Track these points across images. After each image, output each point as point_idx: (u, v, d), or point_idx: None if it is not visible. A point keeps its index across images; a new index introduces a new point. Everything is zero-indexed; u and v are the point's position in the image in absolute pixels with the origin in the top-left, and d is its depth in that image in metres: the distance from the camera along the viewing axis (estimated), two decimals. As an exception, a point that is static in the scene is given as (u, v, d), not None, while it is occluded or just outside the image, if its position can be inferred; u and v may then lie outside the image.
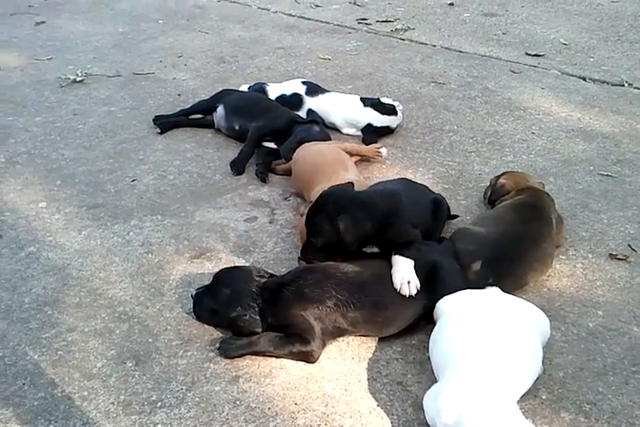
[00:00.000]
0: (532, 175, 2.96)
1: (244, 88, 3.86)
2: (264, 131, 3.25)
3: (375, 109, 3.48)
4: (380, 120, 3.48)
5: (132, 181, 3.05)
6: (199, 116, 3.59)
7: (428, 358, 2.10)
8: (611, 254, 2.69)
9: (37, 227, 2.74)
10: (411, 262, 2.23)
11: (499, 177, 2.91)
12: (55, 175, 3.14)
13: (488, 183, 3.08)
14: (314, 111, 3.55)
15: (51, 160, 3.27)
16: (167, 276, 2.46)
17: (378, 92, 4.02)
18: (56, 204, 2.90)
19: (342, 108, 3.55)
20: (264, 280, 2.16)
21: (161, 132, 3.48)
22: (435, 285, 2.21)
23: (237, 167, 3.12)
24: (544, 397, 2.04)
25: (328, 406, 1.96)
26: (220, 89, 3.74)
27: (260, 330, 2.07)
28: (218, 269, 2.39)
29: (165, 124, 3.51)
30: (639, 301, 2.47)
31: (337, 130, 3.57)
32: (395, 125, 3.54)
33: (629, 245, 2.76)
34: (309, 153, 2.93)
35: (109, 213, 2.83)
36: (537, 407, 2.00)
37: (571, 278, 2.56)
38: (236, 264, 2.50)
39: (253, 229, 2.74)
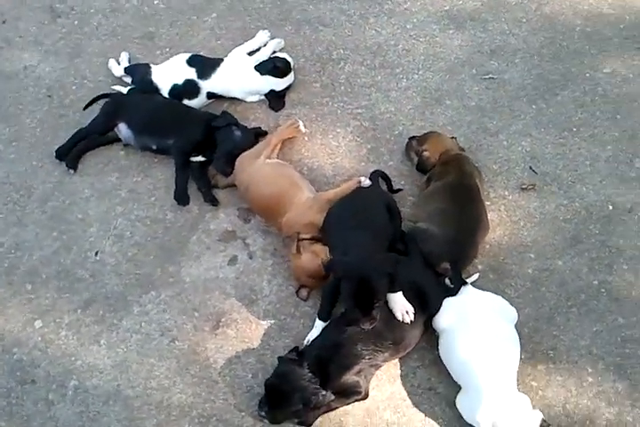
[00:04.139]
0: (445, 136, 2.90)
1: (118, 70, 3.16)
2: (186, 150, 2.84)
3: (274, 75, 3.05)
4: (280, 84, 3.09)
5: (96, 254, 2.71)
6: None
7: (438, 356, 2.41)
8: (521, 188, 2.93)
9: (56, 354, 2.50)
10: (400, 293, 2.38)
11: (419, 143, 2.86)
12: (17, 278, 2.71)
13: (401, 128, 3.07)
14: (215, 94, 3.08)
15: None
16: (206, 360, 2.47)
17: (245, 14, 3.42)
18: (49, 317, 2.58)
19: (240, 83, 3.07)
20: (312, 378, 2.27)
21: (74, 170, 2.92)
22: (424, 302, 2.43)
23: (182, 199, 2.81)
24: (522, 356, 2.40)
25: (394, 432, 2.37)
26: (105, 94, 3.11)
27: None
28: (242, 337, 2.51)
29: (71, 159, 2.92)
30: (555, 231, 2.79)
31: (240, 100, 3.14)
32: (293, 79, 3.16)
33: (531, 168, 2.98)
34: (256, 181, 2.68)
35: (105, 307, 2.60)
36: (520, 368, 2.35)
37: (501, 226, 2.79)
38: (253, 322, 2.55)
39: (241, 272, 2.67)
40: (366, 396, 2.35)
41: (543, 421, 2.21)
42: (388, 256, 2.44)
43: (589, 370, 2.48)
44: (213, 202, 2.81)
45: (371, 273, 2.26)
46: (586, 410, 2.40)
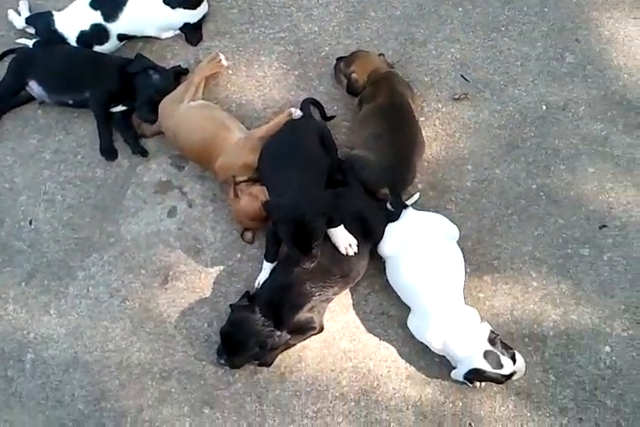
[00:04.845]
0: (373, 54, 2.72)
1: (19, 21, 2.86)
2: (104, 101, 2.62)
3: (185, 7, 2.78)
4: (195, 16, 2.83)
5: (30, 223, 2.56)
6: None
7: (387, 281, 2.39)
8: (454, 98, 2.79)
9: (8, 329, 2.41)
10: (341, 227, 2.31)
11: (347, 64, 2.68)
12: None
13: (327, 48, 2.87)
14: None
15: None
16: (160, 315, 2.42)
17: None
18: (-6, 290, 2.48)
19: (151, 21, 2.80)
20: (266, 321, 2.25)
21: (-8, 136, 2.70)
22: (367, 231, 2.38)
23: (109, 153, 2.64)
24: (468, 270, 2.40)
25: (352, 360, 2.35)
26: (11, 50, 2.83)
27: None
28: (193, 287, 2.46)
29: (-14, 125, 2.69)
30: (490, 139, 2.71)
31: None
32: (207, 8, 2.88)
33: (462, 76, 2.83)
34: (183, 126, 2.51)
35: (49, 276, 2.49)
36: (466, 281, 2.36)
37: (437, 141, 2.70)
38: (202, 272, 2.49)
39: (182, 222, 2.55)
40: (321, 329, 2.35)
41: (491, 332, 2.22)
42: (323, 195, 2.35)
43: (533, 275, 2.50)
44: (143, 153, 2.65)
45: (305, 214, 2.17)
46: (533, 314, 2.44)
